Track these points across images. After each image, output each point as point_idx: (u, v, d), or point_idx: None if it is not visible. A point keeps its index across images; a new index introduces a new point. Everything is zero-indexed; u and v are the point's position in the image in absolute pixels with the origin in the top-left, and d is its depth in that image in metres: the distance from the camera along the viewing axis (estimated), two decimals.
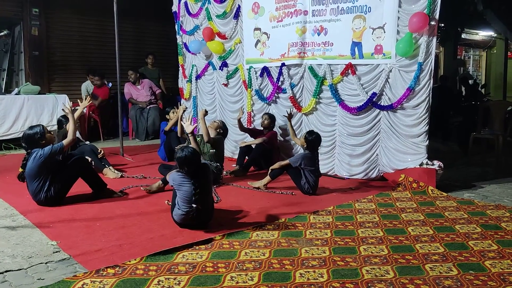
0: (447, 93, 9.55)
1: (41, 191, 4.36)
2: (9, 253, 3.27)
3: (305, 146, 5.08)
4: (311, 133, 5.15)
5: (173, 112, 6.89)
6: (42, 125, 4.63)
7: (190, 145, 4.44)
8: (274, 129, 6.42)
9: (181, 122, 5.78)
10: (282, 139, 6.54)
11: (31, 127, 4.58)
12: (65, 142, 4.48)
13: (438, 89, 9.07)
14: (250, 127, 6.71)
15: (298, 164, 5.01)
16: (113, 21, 7.05)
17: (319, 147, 5.27)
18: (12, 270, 2.99)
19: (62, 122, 5.92)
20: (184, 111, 5.92)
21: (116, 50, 7.07)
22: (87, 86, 9.34)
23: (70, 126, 4.71)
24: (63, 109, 5.21)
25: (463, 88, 12.56)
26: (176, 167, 4.00)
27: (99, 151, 5.98)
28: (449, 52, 12.68)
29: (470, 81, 12.74)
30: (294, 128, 6.39)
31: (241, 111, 6.61)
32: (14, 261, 3.14)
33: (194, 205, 3.66)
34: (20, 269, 3.01)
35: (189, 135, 4.62)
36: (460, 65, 12.59)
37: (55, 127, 6.31)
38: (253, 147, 6.26)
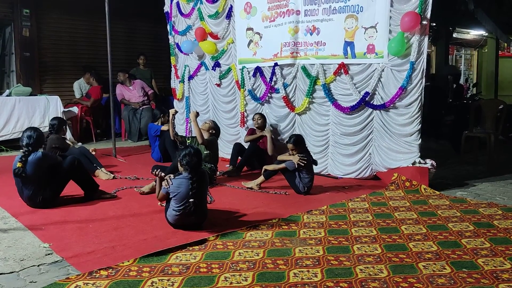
0: (437, 92, 9.58)
1: (37, 195, 4.35)
2: (1, 256, 3.25)
3: (296, 150, 5.04)
4: (291, 136, 5.16)
5: (167, 116, 6.90)
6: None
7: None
8: (268, 127, 6.41)
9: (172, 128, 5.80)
10: (273, 137, 6.51)
11: (33, 128, 4.59)
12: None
13: (429, 88, 9.10)
14: (251, 134, 6.54)
15: (294, 168, 4.98)
16: (104, 22, 7.02)
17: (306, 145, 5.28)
18: (4, 273, 2.97)
19: (54, 125, 5.86)
20: (174, 114, 5.90)
21: (108, 50, 7.04)
22: (80, 84, 9.30)
23: None
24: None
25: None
26: (171, 169, 4.00)
27: (90, 150, 5.94)
28: (441, 51, 12.74)
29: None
30: (287, 128, 6.40)
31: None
32: (6, 264, 3.12)
33: (191, 200, 3.66)
34: (12, 272, 2.99)
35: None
36: (451, 73, 12.59)
37: (47, 129, 6.25)
38: (246, 147, 6.26)
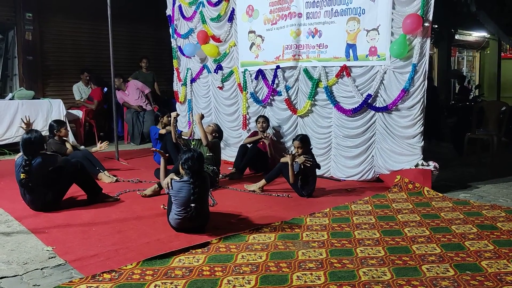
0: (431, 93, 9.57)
1: (39, 198, 4.35)
2: (4, 259, 3.25)
3: (301, 149, 5.03)
4: (298, 135, 5.18)
5: (168, 116, 6.91)
6: (37, 130, 4.60)
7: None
8: (268, 131, 6.42)
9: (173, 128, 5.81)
10: (275, 139, 6.52)
11: (29, 133, 4.51)
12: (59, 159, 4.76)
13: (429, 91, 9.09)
14: (251, 136, 6.57)
15: (298, 170, 4.97)
16: (106, 25, 7.04)
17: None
18: (8, 277, 2.97)
19: (53, 127, 5.85)
20: (175, 117, 5.90)
21: (110, 54, 7.06)
22: (78, 86, 9.31)
23: None
24: (22, 127, 5.18)
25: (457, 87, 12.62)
26: (173, 171, 3.99)
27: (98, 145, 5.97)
28: (443, 53, 12.73)
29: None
30: (289, 131, 6.40)
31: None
32: (10, 267, 3.12)
33: (192, 205, 3.65)
34: (16, 276, 3.00)
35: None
36: (456, 76, 12.61)
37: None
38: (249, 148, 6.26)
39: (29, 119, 5.68)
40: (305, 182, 5.00)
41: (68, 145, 5.85)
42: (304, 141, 5.07)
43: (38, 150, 4.41)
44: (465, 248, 3.47)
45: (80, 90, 9.30)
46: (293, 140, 5.18)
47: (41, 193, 4.35)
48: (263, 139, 6.23)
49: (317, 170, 5.18)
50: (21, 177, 4.26)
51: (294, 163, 4.95)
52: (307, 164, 4.91)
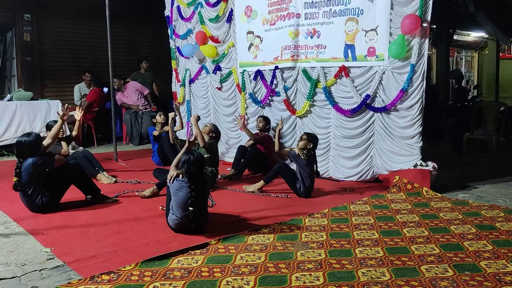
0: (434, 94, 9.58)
1: (35, 200, 4.34)
2: (3, 261, 3.24)
3: (306, 142, 5.05)
4: (307, 133, 5.21)
5: (160, 115, 6.92)
6: (34, 133, 4.56)
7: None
8: (268, 132, 6.43)
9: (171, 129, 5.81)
10: (274, 139, 6.51)
11: (22, 135, 4.50)
12: (56, 157, 4.66)
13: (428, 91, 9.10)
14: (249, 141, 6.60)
15: (294, 157, 5.03)
16: (105, 26, 7.04)
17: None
18: (6, 278, 2.97)
19: (51, 127, 5.83)
20: (173, 118, 5.89)
21: (109, 54, 7.05)
22: (80, 87, 9.30)
23: (53, 129, 4.75)
24: (58, 113, 5.09)
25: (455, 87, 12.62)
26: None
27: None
28: (442, 53, 12.73)
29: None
30: (288, 131, 6.39)
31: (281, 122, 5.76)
32: (8, 269, 3.12)
33: (190, 208, 3.65)
34: (14, 277, 2.99)
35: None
36: (455, 75, 12.63)
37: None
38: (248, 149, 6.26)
39: (68, 109, 5.06)
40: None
41: (64, 145, 5.81)
42: (310, 136, 5.11)
43: (29, 153, 4.36)
44: (464, 248, 3.47)
45: (81, 91, 9.28)
46: (304, 132, 5.31)
47: (37, 194, 4.34)
48: (236, 122, 6.47)
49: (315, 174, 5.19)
50: (14, 180, 4.26)
51: (291, 150, 5.16)
52: (301, 157, 4.92)
